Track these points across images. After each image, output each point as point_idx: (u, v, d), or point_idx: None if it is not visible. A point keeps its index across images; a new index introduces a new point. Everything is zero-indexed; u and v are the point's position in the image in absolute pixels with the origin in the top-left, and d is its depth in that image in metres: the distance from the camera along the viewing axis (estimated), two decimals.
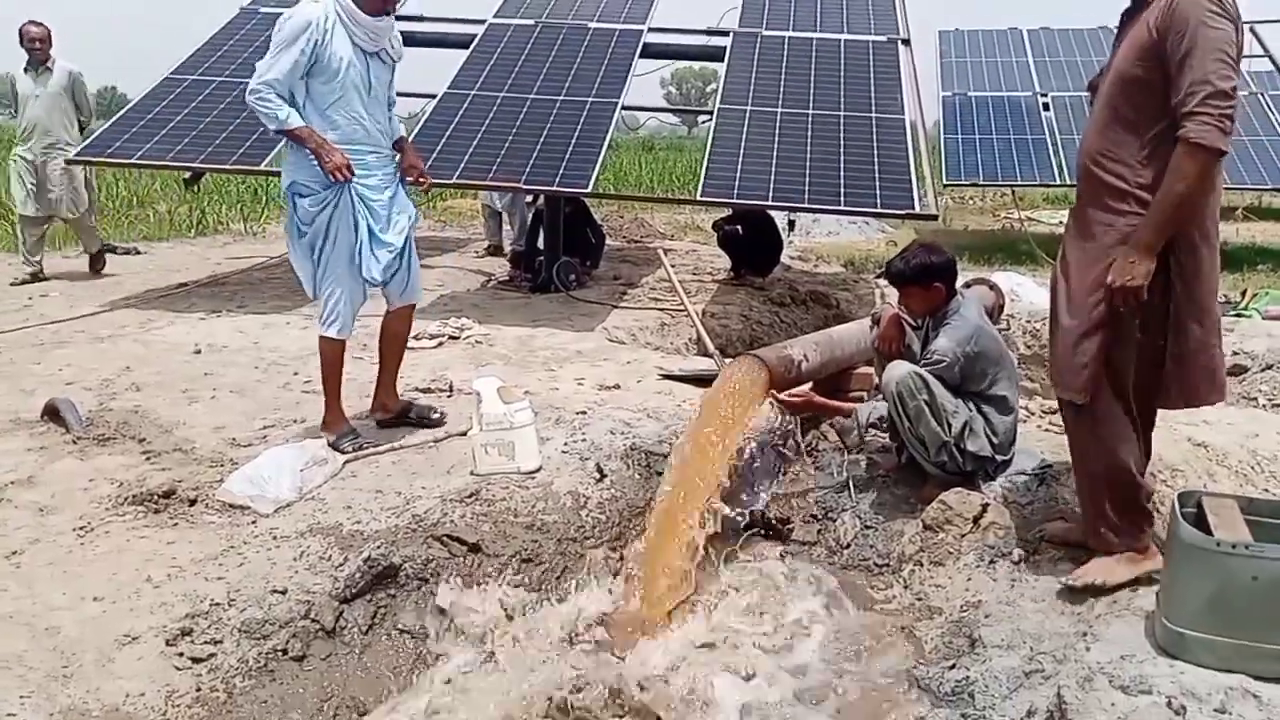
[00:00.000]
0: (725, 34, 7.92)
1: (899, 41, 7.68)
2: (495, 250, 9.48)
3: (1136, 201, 2.61)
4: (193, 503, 3.29)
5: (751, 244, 8.20)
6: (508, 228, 9.31)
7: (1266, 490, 3.59)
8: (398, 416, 4.10)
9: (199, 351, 5.26)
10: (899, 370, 3.43)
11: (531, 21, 8.03)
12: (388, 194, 3.81)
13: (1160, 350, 2.68)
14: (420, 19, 8.33)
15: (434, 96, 7.19)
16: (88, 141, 6.83)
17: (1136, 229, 2.59)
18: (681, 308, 7.03)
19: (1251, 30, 11.34)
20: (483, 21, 8.10)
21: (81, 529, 3.09)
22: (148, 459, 3.69)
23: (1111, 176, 2.66)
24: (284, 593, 2.77)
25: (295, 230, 3.75)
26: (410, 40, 8.25)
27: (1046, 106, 12.73)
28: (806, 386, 4.17)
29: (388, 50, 3.83)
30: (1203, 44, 2.48)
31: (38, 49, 7.11)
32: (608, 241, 9.74)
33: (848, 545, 3.55)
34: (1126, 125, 2.65)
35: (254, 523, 3.18)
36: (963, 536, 3.31)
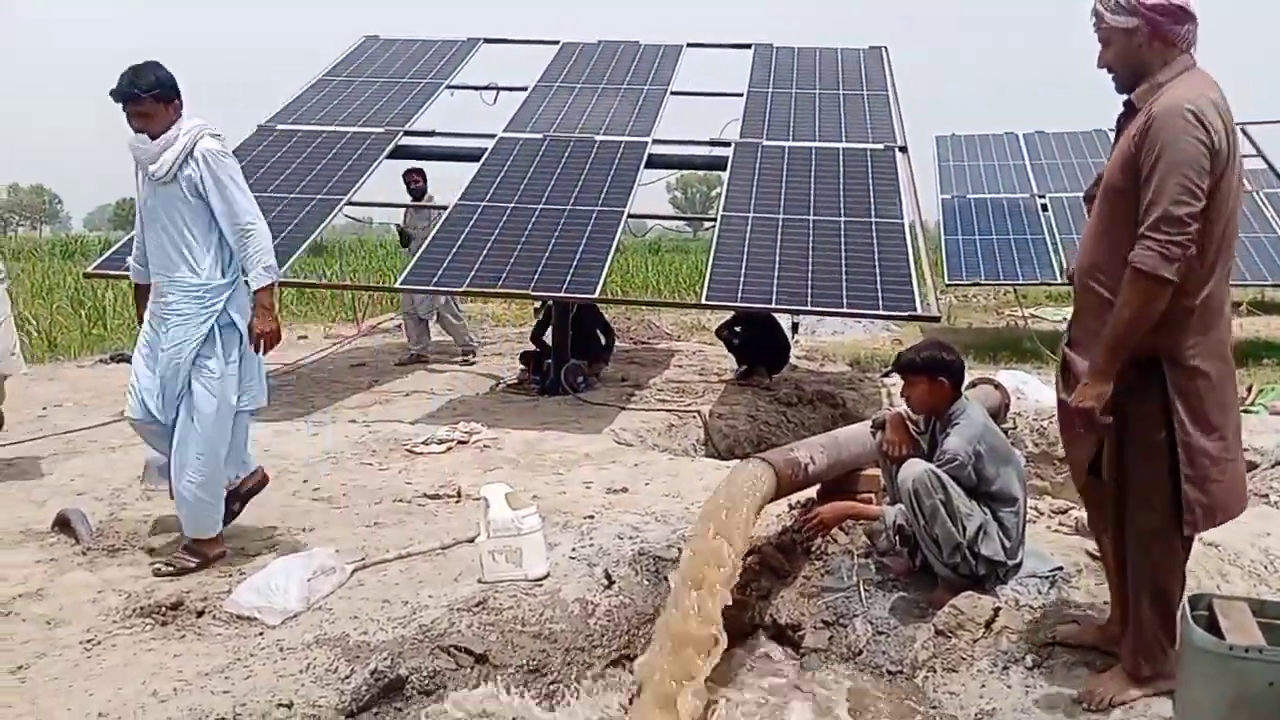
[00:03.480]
0: (727, 144, 8.17)
1: (896, 149, 7.91)
2: (419, 359, 9.20)
3: None
4: (200, 614, 3.29)
5: (759, 342, 8.31)
6: (443, 335, 9.36)
7: (1279, 591, 3.55)
8: None
9: None
10: (915, 469, 3.43)
11: (540, 135, 8.30)
12: (163, 328, 3.65)
13: (1175, 474, 2.59)
14: (432, 134, 8.62)
15: (446, 208, 7.40)
16: (105, 255, 7.02)
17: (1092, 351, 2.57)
18: (689, 409, 7.08)
19: (1243, 131, 11.63)
20: (493, 136, 8.37)
21: (88, 642, 3.08)
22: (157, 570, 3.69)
23: (1104, 290, 2.62)
24: (289, 706, 2.74)
25: None
26: (423, 154, 8.60)
27: (1045, 207, 12.98)
28: (814, 490, 4.17)
29: (159, 171, 3.63)
30: (1167, 165, 2.41)
31: None
32: (616, 343, 9.85)
33: (860, 651, 3.51)
34: (1114, 238, 2.60)
35: (261, 634, 3.16)
36: (975, 642, 3.27)
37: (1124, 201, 2.57)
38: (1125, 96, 2.69)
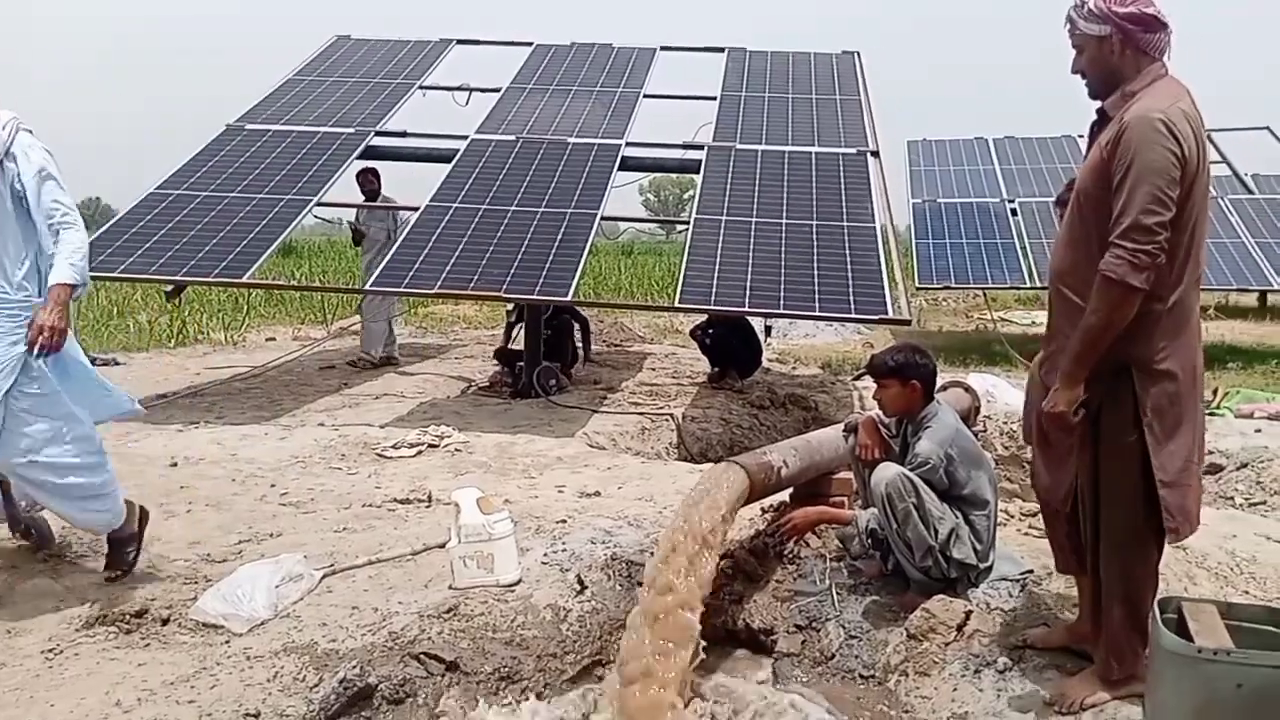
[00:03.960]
0: (700, 148, 8.18)
1: (868, 153, 7.96)
2: (388, 361, 9.16)
3: None
4: (165, 622, 3.23)
5: (731, 345, 8.34)
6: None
7: (1247, 593, 3.59)
8: None
9: (175, 464, 5.22)
10: (888, 472, 3.44)
11: (512, 137, 8.27)
12: None
13: (1147, 478, 2.60)
14: (404, 134, 8.56)
15: (417, 209, 7.34)
16: None
17: (1060, 357, 2.60)
18: (662, 412, 7.07)
19: (1209, 138, 11.81)
20: (465, 137, 8.33)
21: (50, 651, 3.02)
22: (120, 576, 3.62)
23: (1073, 294, 2.64)
24: (257, 716, 2.70)
25: None
26: (395, 155, 8.54)
27: (1014, 212, 13.11)
28: (787, 493, 4.17)
29: None
30: (1137, 173, 2.43)
31: None
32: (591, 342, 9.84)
33: (832, 656, 3.50)
34: (1084, 243, 2.62)
35: (227, 642, 3.11)
36: (947, 645, 3.27)
37: (1095, 209, 2.59)
38: (1098, 105, 2.71)
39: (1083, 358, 2.54)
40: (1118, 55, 2.60)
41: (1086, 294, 2.57)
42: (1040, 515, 4.29)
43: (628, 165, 8.16)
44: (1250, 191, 13.53)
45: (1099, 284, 2.49)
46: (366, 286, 7.01)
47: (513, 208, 7.16)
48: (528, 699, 3.05)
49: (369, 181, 8.90)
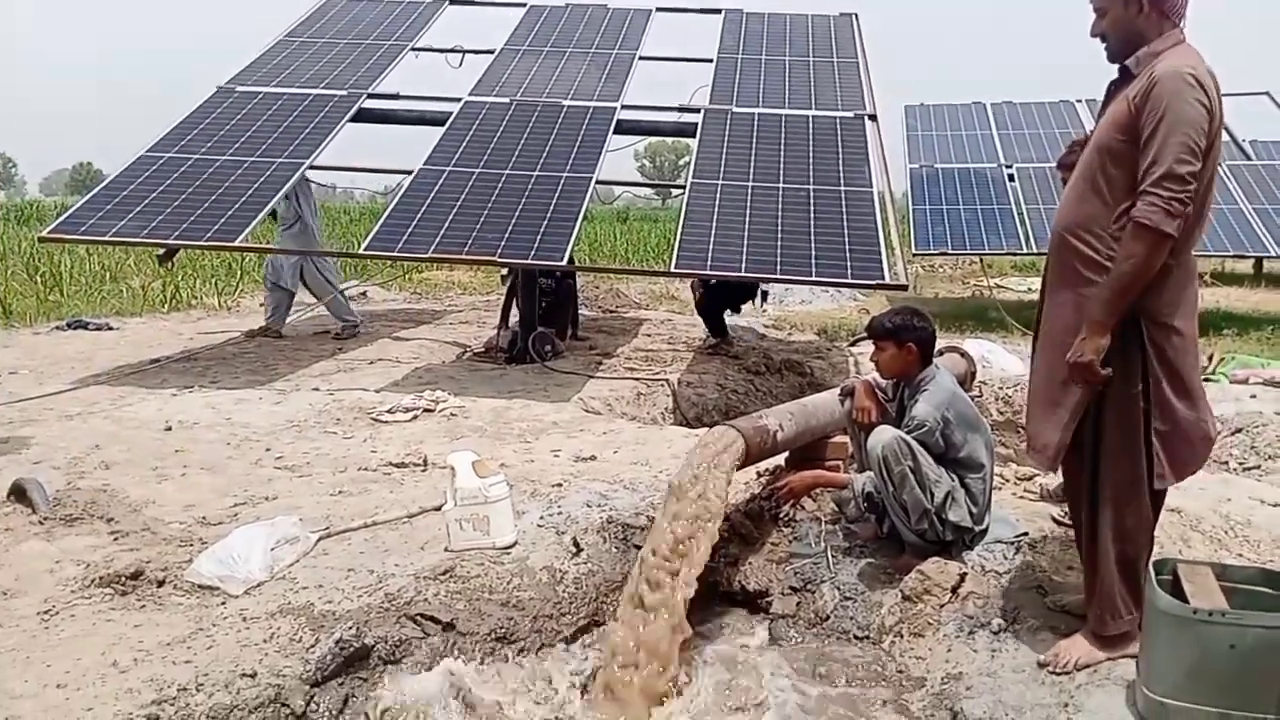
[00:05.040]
0: (696, 111, 8.09)
1: (866, 117, 7.88)
2: (269, 331, 8.59)
3: (1106, 274, 2.63)
4: (161, 584, 3.23)
5: (727, 290, 8.38)
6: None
7: (1240, 555, 3.61)
8: None
9: (170, 428, 5.21)
10: (885, 435, 3.44)
11: (506, 100, 8.17)
12: None
13: (1146, 428, 2.66)
14: (397, 97, 8.46)
15: (410, 173, 7.27)
16: (61, 219, 6.83)
17: (1089, 305, 2.62)
18: (658, 377, 7.06)
19: None
20: (458, 100, 8.23)
21: (46, 613, 3.02)
22: (115, 539, 3.62)
23: (1085, 247, 2.68)
24: (253, 676, 2.70)
25: None
26: (387, 118, 8.45)
27: (1011, 177, 13.04)
28: (782, 457, 4.17)
29: None
30: (1170, 124, 2.50)
31: None
32: (584, 312, 9.82)
33: (827, 617, 3.52)
34: (1102, 197, 2.67)
35: (223, 604, 3.11)
36: (941, 607, 3.30)
37: (1114, 161, 2.64)
38: (1119, 65, 2.75)
39: (1114, 305, 2.59)
40: (1141, 17, 2.67)
41: (1102, 245, 2.64)
42: (1033, 480, 4.34)
43: (623, 129, 8.06)
44: (1249, 158, 13.45)
45: (1133, 231, 2.53)
46: (361, 250, 6.93)
47: (507, 171, 7.09)
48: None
49: None
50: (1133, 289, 2.57)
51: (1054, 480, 4.26)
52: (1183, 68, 2.54)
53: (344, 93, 8.17)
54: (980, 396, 6.69)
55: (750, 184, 6.97)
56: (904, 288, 6.58)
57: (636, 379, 7.05)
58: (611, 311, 11.58)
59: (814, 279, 6.32)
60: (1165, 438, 2.66)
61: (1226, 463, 5.23)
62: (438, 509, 3.76)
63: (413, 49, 9.17)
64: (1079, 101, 14.24)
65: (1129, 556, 2.75)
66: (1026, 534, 3.64)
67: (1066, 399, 2.72)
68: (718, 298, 8.53)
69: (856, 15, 9.96)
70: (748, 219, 6.57)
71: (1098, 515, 2.77)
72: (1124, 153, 2.62)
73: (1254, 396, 6.27)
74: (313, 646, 2.85)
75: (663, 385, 6.91)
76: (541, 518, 3.84)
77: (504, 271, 8.69)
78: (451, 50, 9.46)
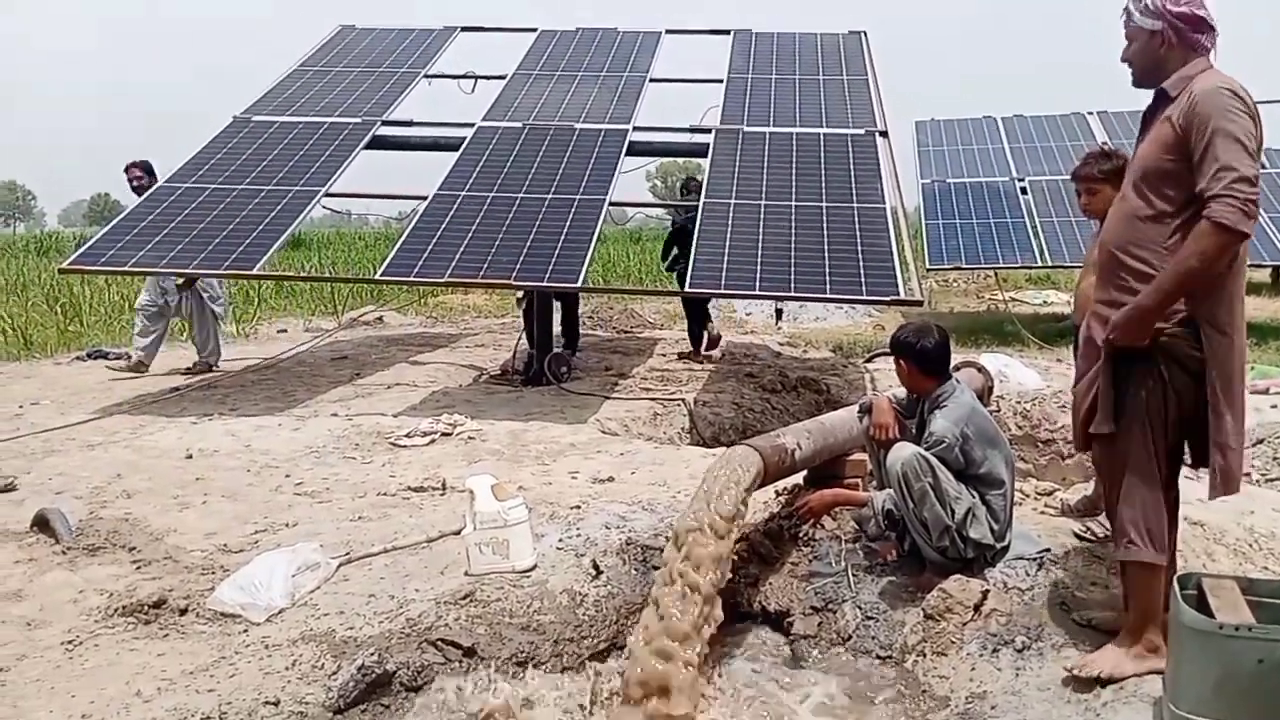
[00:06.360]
0: (708, 131, 8.13)
1: (877, 134, 7.90)
2: (140, 367, 8.00)
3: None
4: (183, 612, 3.25)
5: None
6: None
7: (1266, 568, 3.57)
8: None
9: (190, 456, 5.25)
10: (904, 452, 3.43)
11: (519, 124, 8.24)
12: None
13: (1192, 433, 2.74)
14: (410, 123, 8.53)
15: (425, 198, 7.33)
16: (81, 250, 6.91)
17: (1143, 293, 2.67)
18: (674, 397, 7.06)
19: None
20: (472, 125, 8.30)
21: (70, 643, 3.04)
22: (138, 568, 3.65)
23: (1139, 263, 2.74)
24: (276, 704, 2.71)
25: None
26: (401, 144, 8.52)
27: (1024, 191, 13.01)
28: (801, 476, 4.16)
29: None
30: (1225, 132, 2.58)
31: None
32: (598, 333, 9.84)
33: (849, 637, 3.50)
34: (1154, 217, 2.73)
35: (245, 631, 3.13)
36: (964, 625, 3.27)
37: (1165, 181, 2.71)
38: (1155, 89, 2.84)
39: (1168, 294, 2.64)
40: (1166, 49, 2.77)
41: (1156, 259, 2.70)
42: (1054, 495, 4.31)
43: (635, 150, 8.11)
44: (1264, 166, 13.37)
45: (1208, 231, 2.57)
46: (378, 276, 6.97)
47: (521, 195, 7.14)
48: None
49: (136, 176, 7.99)
50: (1194, 284, 2.62)
51: (1075, 495, 4.24)
52: (1220, 83, 2.65)
53: (358, 120, 8.26)
54: (998, 411, 6.65)
55: (763, 202, 6.99)
56: (919, 303, 6.57)
57: (653, 399, 7.05)
58: (626, 332, 11.59)
59: (829, 296, 6.32)
60: (1220, 449, 2.69)
61: (1249, 474, 5.18)
62: (457, 533, 3.77)
63: (425, 76, 9.27)
64: (1090, 114, 14.21)
65: (1150, 529, 2.77)
66: (1049, 550, 3.61)
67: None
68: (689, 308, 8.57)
69: (865, 33, 10.01)
70: (761, 237, 6.58)
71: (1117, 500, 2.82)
72: (1174, 171, 2.69)
73: (1275, 407, 6.21)
74: (335, 673, 2.85)
75: (679, 405, 6.91)
76: (560, 540, 3.84)
77: (519, 295, 8.71)
78: (464, 76, 9.55)
